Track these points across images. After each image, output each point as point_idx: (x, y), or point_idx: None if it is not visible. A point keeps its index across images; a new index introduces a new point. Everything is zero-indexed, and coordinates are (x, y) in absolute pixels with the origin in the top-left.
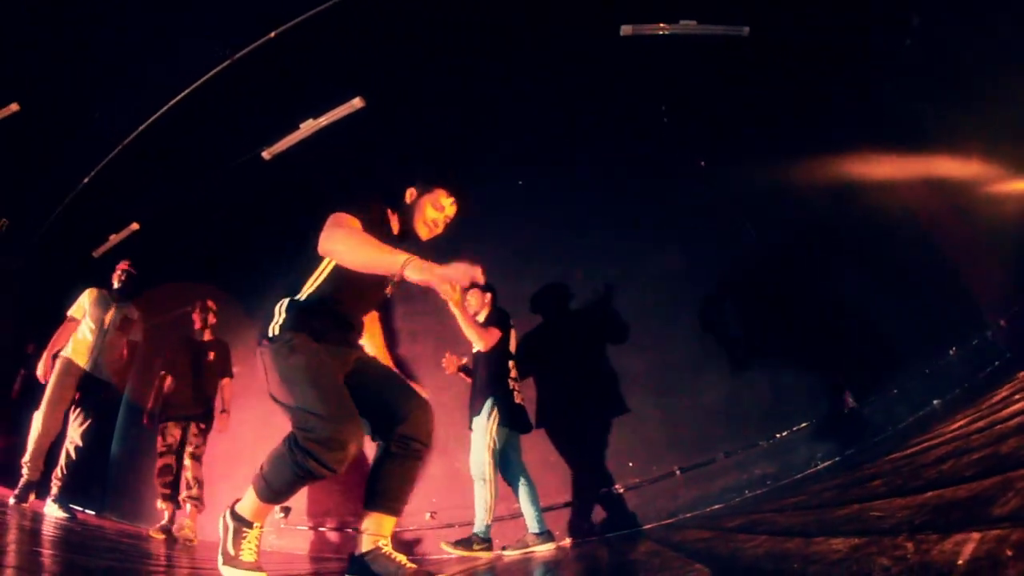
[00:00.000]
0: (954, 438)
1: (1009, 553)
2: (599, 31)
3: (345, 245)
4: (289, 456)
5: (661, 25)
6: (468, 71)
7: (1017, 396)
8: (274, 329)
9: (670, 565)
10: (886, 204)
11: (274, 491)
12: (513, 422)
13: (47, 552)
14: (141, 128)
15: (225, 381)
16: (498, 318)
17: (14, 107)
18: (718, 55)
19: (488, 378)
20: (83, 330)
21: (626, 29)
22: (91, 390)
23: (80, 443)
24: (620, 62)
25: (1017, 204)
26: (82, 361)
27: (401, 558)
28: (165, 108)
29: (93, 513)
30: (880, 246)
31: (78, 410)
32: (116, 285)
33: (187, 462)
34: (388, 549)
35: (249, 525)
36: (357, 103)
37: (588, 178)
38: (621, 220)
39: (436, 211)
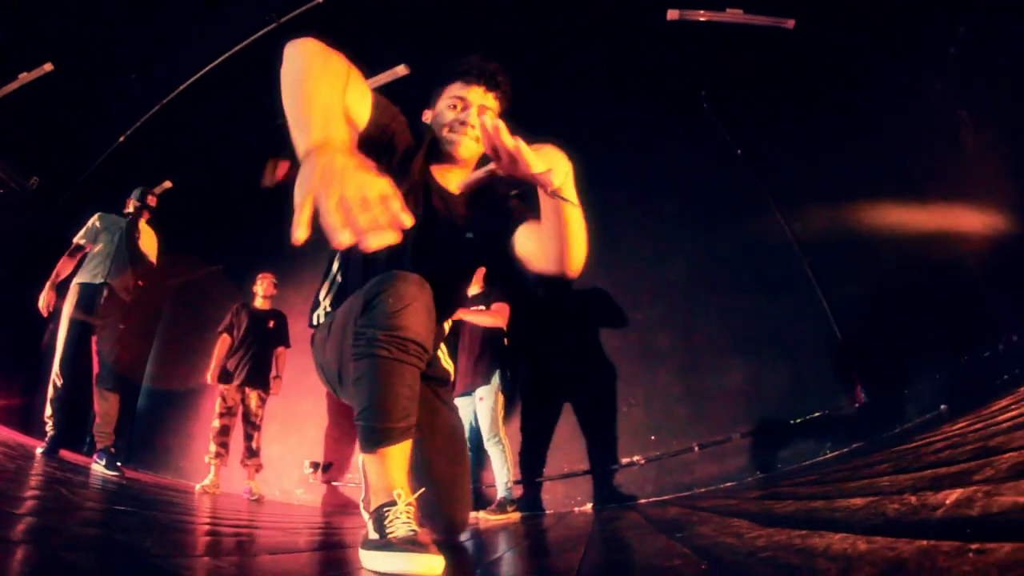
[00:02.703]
0: (953, 436)
1: (980, 495)
2: (645, 13)
3: (294, 65)
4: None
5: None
6: (509, 45)
7: (1014, 407)
8: (318, 317)
9: (710, 520)
10: (913, 210)
11: (366, 416)
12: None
13: (113, 507)
14: (181, 88)
15: (281, 350)
16: (501, 292)
17: (48, 67)
18: (763, 44)
19: (495, 350)
20: (94, 253)
21: (672, 13)
22: (109, 310)
23: (109, 387)
24: (663, 45)
25: None
26: (91, 277)
27: None
28: (207, 68)
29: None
30: (907, 251)
31: (101, 340)
32: (129, 209)
33: (248, 430)
34: None
35: (390, 503)
36: (401, 71)
37: (628, 156)
38: (657, 201)
39: (456, 112)
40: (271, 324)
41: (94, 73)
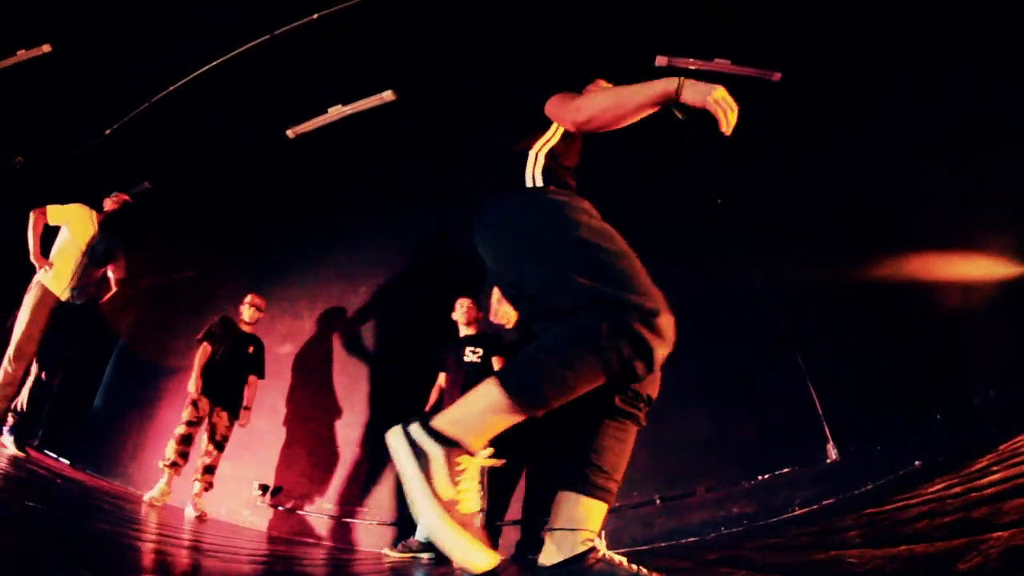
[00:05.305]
0: (931, 500)
1: None
2: (635, 58)
3: (603, 97)
4: (595, 342)
5: (695, 61)
6: (500, 80)
7: (995, 467)
8: (532, 179)
9: None
10: (888, 263)
11: (548, 390)
12: None
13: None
14: (171, 88)
15: (254, 379)
16: (499, 343)
17: (46, 48)
18: (750, 95)
19: None
20: (64, 252)
21: (661, 60)
22: (69, 321)
23: (49, 376)
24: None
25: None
26: (59, 290)
27: (626, 562)
28: (198, 72)
29: (67, 462)
30: (880, 303)
31: (52, 344)
32: (107, 208)
33: (211, 448)
34: (608, 552)
35: (468, 452)
36: (388, 96)
37: (601, 200)
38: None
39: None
40: (251, 350)
41: (91, 61)
